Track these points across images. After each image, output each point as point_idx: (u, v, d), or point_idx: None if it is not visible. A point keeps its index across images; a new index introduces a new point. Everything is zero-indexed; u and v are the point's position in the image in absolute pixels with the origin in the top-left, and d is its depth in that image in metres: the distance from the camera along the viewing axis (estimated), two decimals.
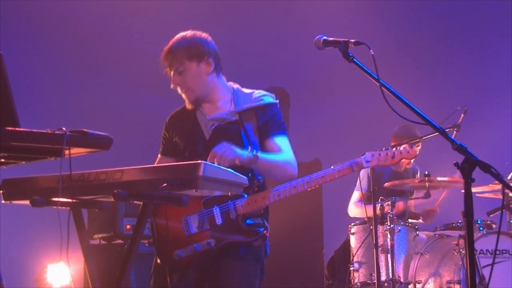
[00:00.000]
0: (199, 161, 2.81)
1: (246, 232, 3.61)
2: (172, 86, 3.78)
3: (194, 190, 2.83)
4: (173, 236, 3.57)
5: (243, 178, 3.08)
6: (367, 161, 3.78)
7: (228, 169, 3.03)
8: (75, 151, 2.76)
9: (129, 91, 7.43)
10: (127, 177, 2.85)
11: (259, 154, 3.62)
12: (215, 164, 3.00)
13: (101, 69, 7.45)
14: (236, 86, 3.89)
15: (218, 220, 3.59)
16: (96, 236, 5.23)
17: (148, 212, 3.01)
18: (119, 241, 5.01)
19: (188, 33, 3.80)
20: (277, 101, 3.88)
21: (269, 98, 3.84)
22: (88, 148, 2.80)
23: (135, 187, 2.84)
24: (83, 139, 2.73)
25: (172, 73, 3.76)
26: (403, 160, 6.53)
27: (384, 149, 3.86)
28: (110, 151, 2.89)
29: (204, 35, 3.83)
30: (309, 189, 3.69)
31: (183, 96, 3.80)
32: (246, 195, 3.61)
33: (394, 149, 3.85)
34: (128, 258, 2.99)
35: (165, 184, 2.77)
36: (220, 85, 3.84)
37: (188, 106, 3.82)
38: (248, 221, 3.64)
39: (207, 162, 2.83)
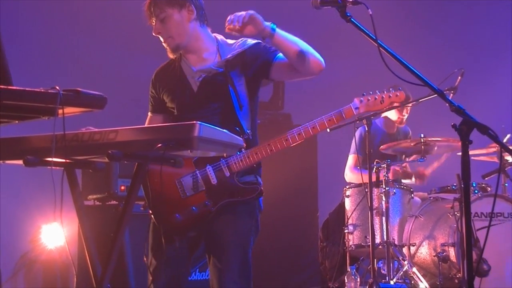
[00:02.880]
0: (194, 122, 2.77)
1: (243, 190, 3.60)
2: (154, 33, 3.73)
3: (189, 150, 2.80)
4: (169, 199, 3.55)
5: (238, 139, 3.05)
6: (356, 108, 3.74)
7: (223, 130, 3.00)
8: (69, 110, 2.72)
9: (123, 52, 7.36)
10: (122, 137, 2.81)
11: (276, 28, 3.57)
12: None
13: (95, 29, 7.36)
14: (220, 37, 3.83)
15: (213, 180, 3.58)
16: (90, 197, 5.22)
17: (143, 173, 2.99)
18: (114, 202, 5.00)
19: None
20: (260, 40, 3.79)
21: (251, 40, 3.79)
22: (82, 108, 2.76)
23: (130, 147, 2.81)
24: (76, 98, 2.69)
25: (154, 21, 3.71)
26: (397, 118, 6.57)
27: (371, 93, 3.80)
28: (104, 111, 2.86)
29: None
30: (300, 141, 3.64)
31: (165, 45, 3.75)
32: (238, 152, 3.56)
33: (381, 93, 3.79)
34: (122, 219, 2.97)
35: (159, 145, 2.74)
36: (204, 35, 3.78)
37: (170, 54, 3.76)
38: (243, 179, 3.62)
39: (202, 123, 2.79)
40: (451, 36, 8.13)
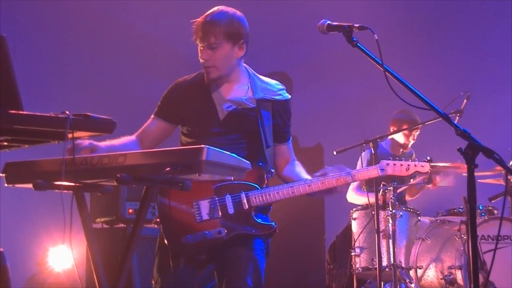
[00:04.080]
0: (202, 146, 2.81)
1: (259, 225, 3.59)
2: (201, 58, 3.68)
3: (197, 174, 2.83)
4: (183, 219, 3.54)
5: (246, 163, 3.08)
6: (382, 169, 3.82)
7: (231, 154, 3.02)
8: (78, 134, 2.75)
9: (133, 74, 7.41)
10: (130, 161, 2.85)
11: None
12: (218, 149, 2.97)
13: (105, 52, 7.43)
14: (250, 70, 3.84)
15: (230, 210, 3.55)
16: (98, 220, 5.24)
17: (151, 196, 3.02)
18: (121, 225, 5.02)
19: (229, 9, 3.70)
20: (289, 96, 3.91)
21: (286, 94, 3.87)
22: (91, 132, 2.80)
23: (138, 171, 2.84)
24: (86, 122, 2.72)
25: (202, 45, 3.66)
26: (403, 142, 6.59)
27: (396, 158, 3.94)
28: (114, 134, 2.89)
29: (242, 15, 3.75)
30: (323, 189, 3.67)
31: (205, 70, 3.71)
32: (259, 187, 3.59)
33: (407, 162, 3.93)
34: (131, 242, 3.00)
35: (168, 168, 2.77)
36: (241, 68, 3.78)
37: (206, 81, 3.73)
38: (259, 215, 3.62)
39: (210, 147, 2.82)
40: (456, 60, 8.15)
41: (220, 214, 3.54)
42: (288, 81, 7.18)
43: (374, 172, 3.80)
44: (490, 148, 2.72)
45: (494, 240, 5.68)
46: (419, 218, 6.17)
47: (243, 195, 3.57)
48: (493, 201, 6.30)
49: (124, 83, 7.35)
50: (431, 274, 5.92)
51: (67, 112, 2.67)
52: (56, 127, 2.66)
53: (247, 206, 3.56)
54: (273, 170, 3.73)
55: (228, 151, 3.03)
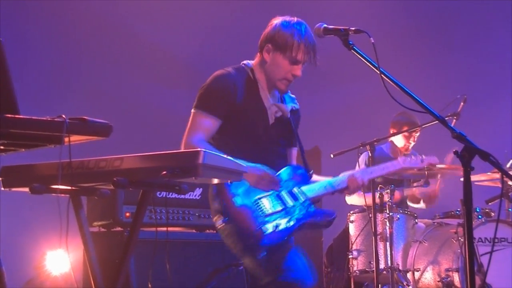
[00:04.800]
0: (199, 149, 2.81)
1: (322, 213, 3.74)
2: (299, 74, 3.78)
3: (193, 177, 2.83)
4: (250, 217, 3.56)
5: (243, 166, 3.08)
6: (402, 161, 4.18)
7: (228, 157, 3.02)
8: (75, 138, 2.76)
9: (131, 78, 7.41)
10: (127, 164, 2.85)
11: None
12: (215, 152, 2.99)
13: (103, 56, 7.43)
14: None
15: (291, 202, 3.67)
16: (95, 223, 5.23)
17: (148, 200, 3.02)
18: (119, 228, 5.01)
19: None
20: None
21: (295, 103, 4.01)
22: (87, 136, 2.80)
23: (135, 174, 2.84)
24: (82, 126, 2.73)
25: (302, 63, 3.76)
26: (403, 145, 6.61)
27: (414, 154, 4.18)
28: (110, 138, 2.89)
29: None
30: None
31: (287, 83, 3.80)
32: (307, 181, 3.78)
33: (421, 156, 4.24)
34: (128, 246, 3.01)
35: (164, 172, 2.77)
36: None
37: (282, 92, 3.85)
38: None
39: (207, 150, 2.83)
40: (454, 63, 8.17)
41: (282, 207, 3.61)
42: None
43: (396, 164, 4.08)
44: (486, 151, 2.72)
45: (491, 243, 5.69)
46: (416, 220, 6.17)
47: (296, 188, 3.70)
48: (490, 204, 6.31)
49: (122, 87, 7.35)
50: (429, 276, 5.92)
51: (63, 116, 2.68)
52: (52, 131, 2.66)
53: (303, 198, 3.67)
54: (311, 172, 3.84)
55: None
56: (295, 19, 3.78)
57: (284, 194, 3.66)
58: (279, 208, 3.60)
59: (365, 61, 3.20)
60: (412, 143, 6.72)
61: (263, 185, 3.57)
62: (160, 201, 4.68)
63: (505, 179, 5.70)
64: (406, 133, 6.54)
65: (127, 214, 4.79)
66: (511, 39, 8.17)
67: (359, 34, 3.22)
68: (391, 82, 3.13)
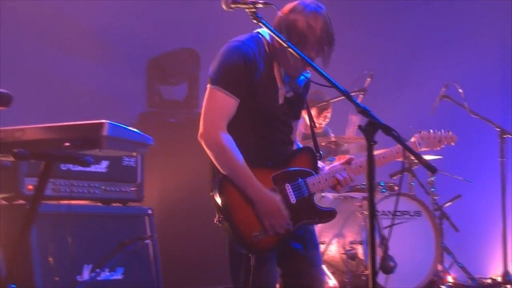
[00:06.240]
0: (103, 121, 2.76)
1: (321, 212, 3.45)
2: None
3: (98, 150, 2.78)
4: (249, 216, 3.27)
5: (148, 139, 3.05)
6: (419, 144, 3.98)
7: (134, 129, 2.98)
8: None
9: (30, 46, 7.18)
10: (28, 136, 2.78)
11: None
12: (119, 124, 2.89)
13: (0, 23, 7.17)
14: None
15: (292, 199, 3.36)
16: None
17: (50, 172, 2.95)
18: (21, 201, 4.89)
19: None
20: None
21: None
22: None
23: (37, 146, 2.77)
24: None
25: (316, 55, 3.36)
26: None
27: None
28: (11, 108, 2.81)
29: None
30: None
31: (300, 70, 3.44)
32: (314, 173, 3.46)
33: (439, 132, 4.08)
34: (29, 219, 2.94)
35: (67, 143, 2.71)
36: None
37: (296, 75, 3.48)
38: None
39: (111, 122, 2.78)
40: (361, 39, 8.29)
41: (283, 205, 3.33)
42: (196, 57, 7.12)
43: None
44: (388, 126, 2.77)
45: (395, 216, 5.85)
46: (323, 193, 6.27)
47: (301, 182, 3.41)
48: (394, 178, 6.48)
49: (23, 54, 7.12)
50: (333, 249, 6.05)
51: None
52: None
53: (307, 194, 3.41)
54: (321, 152, 3.60)
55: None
56: (317, 5, 3.43)
57: (288, 187, 3.39)
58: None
59: (274, 35, 3.20)
60: (323, 122, 6.81)
61: (270, 223, 3.26)
62: (64, 174, 4.59)
63: (408, 154, 5.86)
64: (315, 113, 6.60)
65: (30, 187, 4.67)
66: (415, 15, 8.36)
67: (268, 7, 3.21)
68: (298, 57, 3.15)
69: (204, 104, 3.34)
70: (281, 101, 3.44)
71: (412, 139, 3.96)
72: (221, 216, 3.27)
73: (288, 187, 3.37)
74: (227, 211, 3.26)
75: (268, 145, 3.42)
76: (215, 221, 3.33)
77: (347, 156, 3.69)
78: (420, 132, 4.00)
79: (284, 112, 3.47)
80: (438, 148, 4.09)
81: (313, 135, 3.67)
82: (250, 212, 3.25)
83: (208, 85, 3.36)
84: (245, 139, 3.34)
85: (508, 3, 8.18)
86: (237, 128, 3.33)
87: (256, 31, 3.45)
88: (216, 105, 3.30)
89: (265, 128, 3.41)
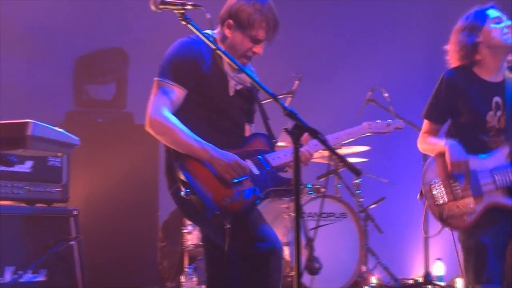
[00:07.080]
0: (27, 120, 2.72)
1: (288, 180, 3.56)
2: (260, 52, 3.62)
3: (21, 149, 2.74)
4: (214, 186, 3.39)
5: (74, 139, 3.02)
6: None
7: (60, 130, 2.95)
8: None
9: None
10: None
11: None
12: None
13: None
14: None
15: (255, 171, 3.51)
16: None
17: None
18: None
19: None
20: None
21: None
22: None
23: None
24: None
25: (263, 42, 3.62)
26: None
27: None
28: None
29: None
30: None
31: (248, 59, 3.62)
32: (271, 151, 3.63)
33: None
34: None
35: None
36: None
37: (243, 64, 3.56)
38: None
39: (36, 122, 2.75)
40: (289, 42, 8.34)
41: (247, 175, 3.45)
42: (124, 56, 7.07)
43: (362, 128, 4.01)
44: (314, 129, 2.82)
45: (321, 218, 5.92)
46: None
47: (260, 157, 3.56)
48: (321, 180, 6.56)
49: None
50: None
51: None
52: None
53: (269, 167, 3.54)
54: (277, 139, 3.74)
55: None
56: None
57: (248, 162, 3.51)
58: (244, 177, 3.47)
59: (202, 37, 3.21)
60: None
61: (231, 175, 3.38)
62: None
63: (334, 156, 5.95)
64: None
65: None
66: (344, 17, 8.46)
67: (196, 9, 3.22)
68: (226, 58, 3.17)
69: (150, 96, 3.48)
70: (231, 93, 3.61)
71: (364, 124, 4.09)
72: (188, 190, 3.35)
73: (248, 162, 3.52)
74: (193, 183, 3.35)
75: (224, 138, 3.55)
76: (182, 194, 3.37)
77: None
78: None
79: (237, 106, 3.64)
80: (387, 132, 4.22)
81: (266, 124, 3.75)
82: (213, 178, 3.37)
83: (155, 78, 3.50)
84: (202, 131, 3.44)
85: (435, 5, 8.35)
86: (193, 121, 3.46)
87: (204, 31, 3.49)
88: (159, 94, 3.45)
89: (221, 121, 3.55)
